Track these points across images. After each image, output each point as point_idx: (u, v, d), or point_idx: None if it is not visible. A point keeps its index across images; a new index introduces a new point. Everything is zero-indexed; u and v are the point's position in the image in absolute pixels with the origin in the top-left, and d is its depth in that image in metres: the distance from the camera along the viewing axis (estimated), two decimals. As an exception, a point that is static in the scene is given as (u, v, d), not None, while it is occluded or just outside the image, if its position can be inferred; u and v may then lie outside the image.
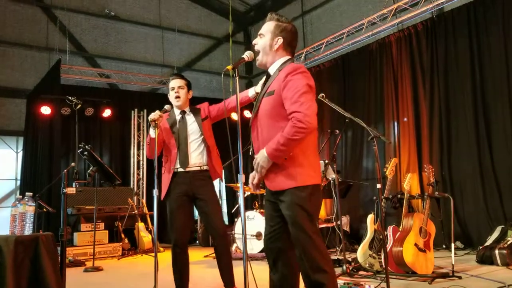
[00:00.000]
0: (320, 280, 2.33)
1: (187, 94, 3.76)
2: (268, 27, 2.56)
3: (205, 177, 3.60)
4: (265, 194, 2.60)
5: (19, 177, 9.04)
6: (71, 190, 3.06)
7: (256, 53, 2.61)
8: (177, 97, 3.69)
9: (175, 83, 3.72)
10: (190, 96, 3.80)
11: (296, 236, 2.38)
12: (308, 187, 2.36)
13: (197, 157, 3.62)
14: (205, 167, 3.63)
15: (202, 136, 3.67)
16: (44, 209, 6.19)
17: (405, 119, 7.34)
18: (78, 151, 3.53)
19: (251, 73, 11.77)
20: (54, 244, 2.84)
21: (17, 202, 2.91)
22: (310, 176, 2.37)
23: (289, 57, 2.55)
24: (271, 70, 2.54)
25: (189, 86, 3.79)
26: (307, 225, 2.35)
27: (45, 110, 8.33)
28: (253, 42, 2.60)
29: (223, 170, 3.94)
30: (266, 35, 2.53)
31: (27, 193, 2.91)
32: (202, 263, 6.16)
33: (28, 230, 2.85)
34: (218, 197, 3.73)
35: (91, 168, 3.34)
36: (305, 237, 2.35)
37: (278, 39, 2.51)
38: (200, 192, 3.58)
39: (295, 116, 2.26)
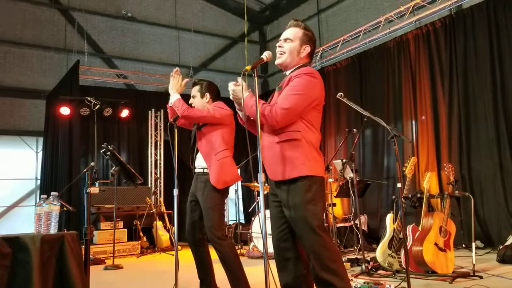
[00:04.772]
0: (328, 280, 2.34)
1: (201, 101, 3.67)
2: (296, 33, 2.63)
3: (205, 180, 3.55)
4: (268, 194, 2.65)
5: (39, 177, 9.19)
6: (94, 190, 3.10)
7: (275, 54, 2.67)
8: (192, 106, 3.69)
9: (191, 92, 3.74)
10: (207, 100, 3.67)
11: (302, 234, 2.41)
12: (317, 178, 2.46)
13: (201, 160, 3.64)
14: (207, 170, 3.57)
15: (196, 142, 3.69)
16: (65, 208, 6.29)
17: (423, 117, 7.27)
18: (101, 151, 3.57)
19: (267, 72, 11.78)
20: (79, 243, 2.89)
21: (42, 202, 2.95)
22: (316, 168, 2.47)
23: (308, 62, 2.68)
24: (289, 71, 2.64)
25: (203, 91, 3.68)
26: (313, 221, 2.38)
27: (64, 110, 8.45)
28: (278, 44, 2.66)
29: (220, 178, 3.51)
30: (295, 41, 2.62)
31: (52, 193, 2.95)
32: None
33: (53, 229, 2.90)
34: (213, 202, 3.48)
35: (113, 168, 3.38)
36: (312, 234, 2.37)
37: (306, 47, 2.63)
38: (198, 195, 3.59)
39: (276, 107, 2.45)
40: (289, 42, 2.61)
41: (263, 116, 2.45)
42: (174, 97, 3.54)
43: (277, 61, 2.65)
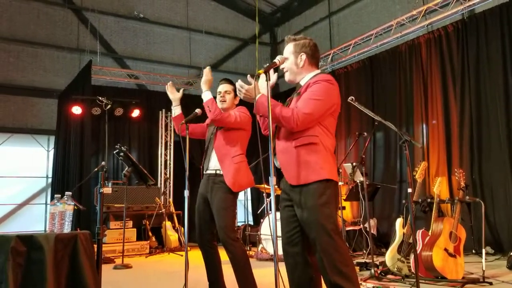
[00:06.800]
0: (340, 283, 2.35)
1: (233, 100, 3.71)
2: (288, 49, 2.73)
3: (218, 182, 3.55)
4: (280, 197, 2.65)
5: (50, 175, 9.28)
6: (107, 190, 3.13)
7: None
8: (223, 101, 3.67)
9: (222, 87, 3.72)
10: (236, 102, 3.72)
11: (315, 237, 2.41)
12: (332, 182, 2.49)
13: (215, 161, 3.63)
14: (220, 172, 3.58)
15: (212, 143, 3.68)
16: (75, 207, 6.35)
17: (434, 121, 7.24)
18: (114, 152, 3.61)
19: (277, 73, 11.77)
20: (92, 242, 2.92)
21: (56, 201, 2.99)
22: (332, 173, 2.51)
23: (318, 71, 2.72)
24: (303, 82, 2.69)
25: (236, 91, 3.66)
26: (328, 224, 2.39)
27: (76, 110, 8.52)
28: (281, 67, 2.73)
29: (236, 181, 3.53)
30: (290, 57, 2.70)
31: (66, 193, 2.99)
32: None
33: (67, 228, 2.93)
34: (227, 203, 3.49)
35: (126, 168, 3.41)
36: (326, 237, 2.38)
37: (301, 55, 2.69)
38: (209, 195, 3.59)
39: (296, 111, 2.48)
40: (286, 60, 2.69)
41: (283, 118, 2.48)
42: (208, 96, 3.47)
43: (286, 79, 2.75)
